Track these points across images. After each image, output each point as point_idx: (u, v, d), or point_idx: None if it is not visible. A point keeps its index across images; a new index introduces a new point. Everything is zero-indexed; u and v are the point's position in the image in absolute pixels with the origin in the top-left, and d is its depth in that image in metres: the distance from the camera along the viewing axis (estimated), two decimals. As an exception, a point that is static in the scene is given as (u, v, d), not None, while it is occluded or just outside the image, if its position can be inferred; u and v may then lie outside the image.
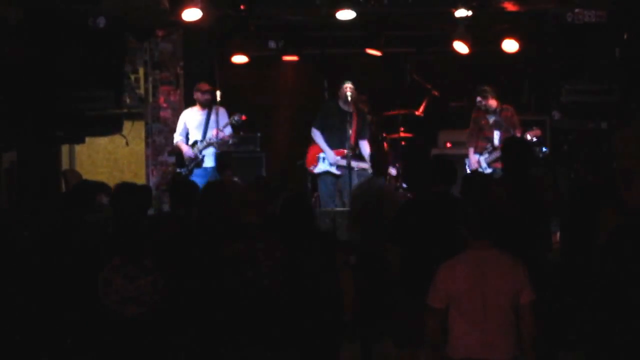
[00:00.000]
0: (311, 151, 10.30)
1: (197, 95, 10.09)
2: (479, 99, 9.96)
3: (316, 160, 10.15)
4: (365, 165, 9.86)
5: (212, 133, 9.92)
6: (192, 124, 10.14)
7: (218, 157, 9.77)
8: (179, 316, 5.42)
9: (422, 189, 7.41)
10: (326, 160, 10.08)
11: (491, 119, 9.98)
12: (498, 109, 9.92)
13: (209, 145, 9.93)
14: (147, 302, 5.21)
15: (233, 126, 10.05)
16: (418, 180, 8.27)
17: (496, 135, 9.92)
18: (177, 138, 10.20)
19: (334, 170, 10.03)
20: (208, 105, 10.08)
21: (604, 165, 9.19)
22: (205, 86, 10.15)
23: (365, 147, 10.11)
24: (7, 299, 5.54)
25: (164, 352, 5.31)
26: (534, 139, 9.53)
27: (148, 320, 5.22)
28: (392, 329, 6.32)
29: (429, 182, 6.39)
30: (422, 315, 5.04)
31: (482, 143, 10.06)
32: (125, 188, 5.83)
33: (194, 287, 5.63)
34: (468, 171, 10.12)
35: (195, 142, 10.06)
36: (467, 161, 10.18)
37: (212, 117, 10.07)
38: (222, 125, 9.94)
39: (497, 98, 9.97)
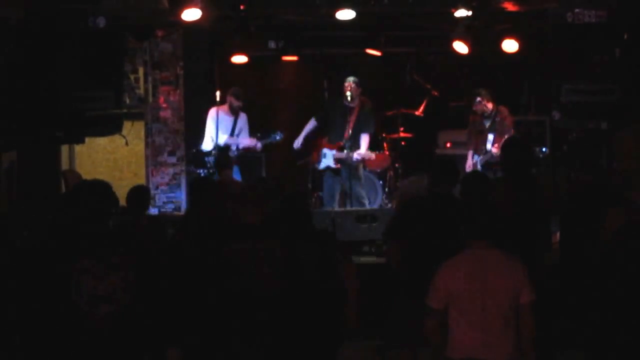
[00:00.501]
0: (317, 149, 10.38)
1: (231, 100, 10.22)
2: (478, 99, 10.01)
3: (319, 157, 10.25)
4: (367, 155, 9.91)
5: (250, 142, 10.22)
6: (220, 126, 10.20)
7: (217, 157, 9.84)
8: (170, 315, 5.43)
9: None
10: (327, 156, 10.17)
11: (487, 123, 10.05)
12: (493, 112, 10.01)
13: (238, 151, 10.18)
14: (118, 300, 5.21)
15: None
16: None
17: (490, 138, 9.97)
18: (211, 146, 10.26)
19: (331, 164, 10.10)
20: (236, 112, 10.23)
21: (601, 165, 9.20)
22: (241, 92, 10.27)
23: (364, 140, 10.16)
24: (7, 299, 5.54)
25: (139, 351, 5.31)
26: (543, 149, 9.73)
27: (120, 319, 5.22)
28: (391, 327, 6.30)
29: (430, 183, 6.40)
30: (421, 314, 5.03)
31: (481, 145, 10.12)
32: (93, 186, 5.76)
33: (192, 287, 5.64)
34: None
35: (217, 146, 10.16)
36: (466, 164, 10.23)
37: (237, 124, 10.24)
38: (256, 138, 10.29)
39: (493, 100, 10.04)
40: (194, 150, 10.43)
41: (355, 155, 10.05)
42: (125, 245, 5.43)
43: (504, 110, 10.10)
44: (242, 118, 10.41)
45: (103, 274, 5.20)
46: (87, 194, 5.62)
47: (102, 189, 5.71)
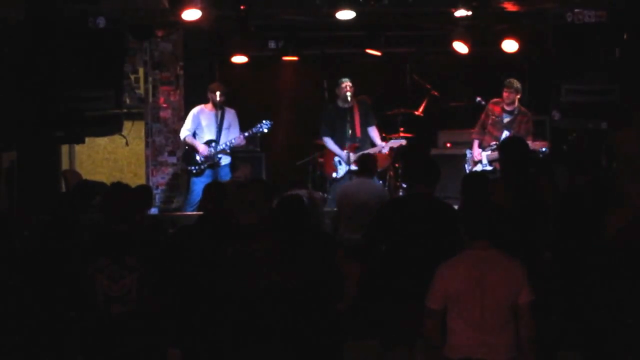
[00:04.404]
0: (327, 159, 10.32)
1: (213, 97, 10.12)
2: (515, 86, 9.78)
3: (334, 166, 10.15)
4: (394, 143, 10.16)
5: (236, 138, 10.03)
6: (204, 124, 10.17)
7: (233, 159, 9.89)
8: (170, 315, 5.44)
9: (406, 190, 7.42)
10: (342, 163, 10.09)
11: (506, 119, 9.88)
12: (515, 110, 9.85)
13: (230, 148, 10.05)
14: (132, 300, 5.25)
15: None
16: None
17: (505, 135, 9.84)
18: (186, 133, 10.19)
19: (353, 167, 10.03)
20: (220, 106, 10.15)
21: (594, 165, 9.19)
22: (222, 87, 10.21)
23: (373, 134, 10.25)
24: (7, 299, 5.55)
25: (151, 350, 5.33)
26: (543, 149, 9.56)
27: (134, 319, 5.25)
28: (388, 328, 6.28)
29: (410, 183, 6.39)
30: (406, 315, 5.04)
31: (488, 139, 9.97)
32: (114, 188, 5.77)
33: (192, 287, 5.64)
34: (467, 160, 10.08)
35: (210, 142, 10.10)
36: (467, 152, 10.09)
37: (225, 119, 10.15)
38: (246, 131, 10.09)
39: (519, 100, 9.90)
40: (187, 147, 10.36)
41: (383, 149, 10.12)
42: (140, 245, 5.43)
43: (527, 112, 9.87)
44: (230, 113, 10.22)
45: (117, 275, 5.25)
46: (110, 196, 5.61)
47: (119, 190, 5.71)
